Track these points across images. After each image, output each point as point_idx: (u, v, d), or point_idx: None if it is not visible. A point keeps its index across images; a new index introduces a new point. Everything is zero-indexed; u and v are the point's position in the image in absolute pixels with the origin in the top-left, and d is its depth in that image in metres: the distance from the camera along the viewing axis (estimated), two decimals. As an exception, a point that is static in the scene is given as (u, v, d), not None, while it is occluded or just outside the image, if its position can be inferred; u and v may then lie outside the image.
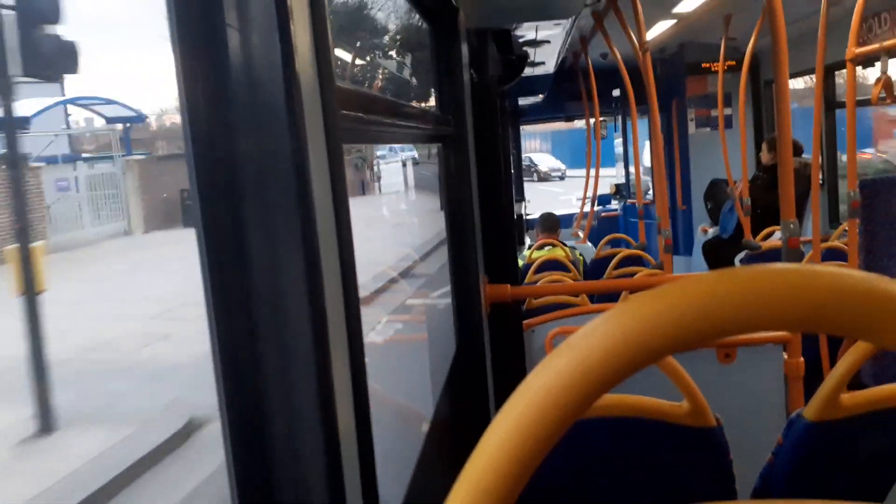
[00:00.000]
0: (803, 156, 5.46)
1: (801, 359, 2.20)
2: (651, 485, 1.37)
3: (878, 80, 3.08)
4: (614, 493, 1.36)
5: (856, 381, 1.35)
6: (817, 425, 1.26)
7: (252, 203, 0.56)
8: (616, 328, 0.33)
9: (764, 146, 5.71)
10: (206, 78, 0.53)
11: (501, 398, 2.32)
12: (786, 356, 2.22)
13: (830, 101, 5.18)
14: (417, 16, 1.87)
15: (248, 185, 0.55)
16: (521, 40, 3.44)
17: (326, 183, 0.60)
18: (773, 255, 4.20)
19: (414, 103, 1.85)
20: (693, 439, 1.34)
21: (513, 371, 2.69)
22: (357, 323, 0.66)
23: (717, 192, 6.03)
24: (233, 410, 0.56)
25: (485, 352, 2.23)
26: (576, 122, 9.72)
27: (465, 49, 2.16)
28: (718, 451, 1.35)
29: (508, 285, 2.57)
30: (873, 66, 3.64)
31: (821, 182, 5.09)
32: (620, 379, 0.33)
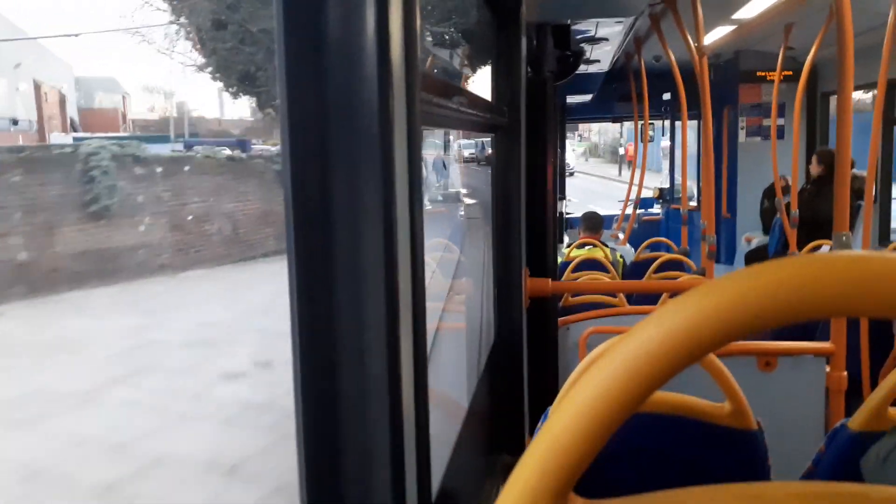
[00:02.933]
0: (853, 170, 5.34)
1: (845, 373, 2.18)
2: (688, 483, 1.37)
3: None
4: (651, 489, 1.37)
5: None
6: (862, 436, 1.26)
7: (340, 186, 0.58)
8: (669, 324, 0.34)
9: (814, 158, 5.60)
10: (307, 66, 0.56)
11: (534, 392, 2.34)
12: (828, 369, 2.20)
13: (889, 116, 5.05)
14: (481, 5, 1.88)
15: (338, 167, 0.57)
16: (578, 37, 3.43)
17: (405, 166, 0.62)
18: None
19: (475, 92, 1.87)
20: (733, 441, 1.34)
21: (545, 366, 2.70)
22: (422, 314, 0.68)
23: (774, 196, 5.93)
24: (307, 403, 0.59)
25: (523, 344, 2.24)
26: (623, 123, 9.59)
27: (524, 42, 2.17)
28: (758, 454, 1.35)
29: (549, 279, 2.58)
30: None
31: (873, 198, 4.97)
32: (674, 372, 0.34)
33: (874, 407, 1.26)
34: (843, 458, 1.28)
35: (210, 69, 16.01)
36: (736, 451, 1.36)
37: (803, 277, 0.33)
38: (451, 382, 2.08)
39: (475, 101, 1.49)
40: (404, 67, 0.62)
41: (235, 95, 16.80)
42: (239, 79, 15.71)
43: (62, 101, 23.54)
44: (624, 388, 0.34)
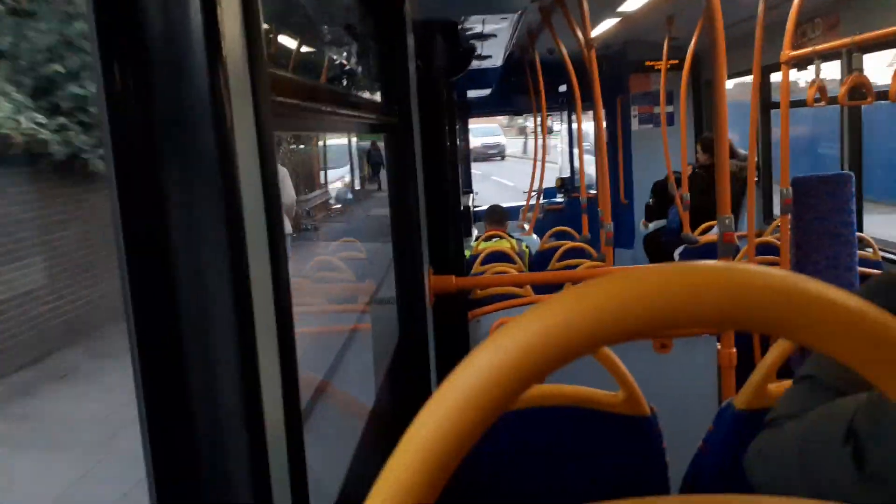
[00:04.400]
0: (736, 159, 5.65)
1: (734, 349, 2.28)
2: (585, 474, 1.40)
3: (812, 82, 3.20)
4: (548, 483, 1.39)
5: (787, 372, 1.41)
6: (746, 414, 1.31)
7: (174, 194, 0.54)
8: (547, 320, 0.33)
9: (698, 147, 5.88)
10: (125, 59, 0.51)
11: (443, 388, 2.34)
12: (719, 346, 2.30)
13: (766, 102, 5.36)
14: (363, 5, 1.85)
15: (170, 174, 0.53)
16: (468, 33, 3.45)
17: (256, 172, 0.59)
18: (710, 249, 4.33)
19: (358, 93, 1.83)
20: (628, 428, 1.37)
21: (456, 361, 2.70)
22: (289, 326, 0.65)
23: (661, 191, 6.17)
24: (152, 405, 0.55)
25: (428, 342, 2.24)
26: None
27: (411, 40, 2.15)
28: (652, 439, 1.39)
29: (453, 276, 2.59)
30: (806, 69, 3.78)
31: (756, 180, 5.27)
32: (549, 371, 0.33)
33: (755, 385, 1.31)
34: (729, 437, 1.33)
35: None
36: (631, 438, 1.39)
37: (675, 287, 0.32)
38: (361, 386, 2.05)
39: (358, 101, 1.46)
40: (247, 68, 0.59)
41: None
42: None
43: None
44: (494, 383, 0.33)
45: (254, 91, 0.59)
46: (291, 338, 0.66)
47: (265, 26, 0.63)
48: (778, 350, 1.36)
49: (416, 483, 0.33)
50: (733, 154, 5.54)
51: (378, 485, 0.34)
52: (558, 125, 10.68)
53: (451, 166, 2.97)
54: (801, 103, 3.67)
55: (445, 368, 2.53)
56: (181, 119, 0.52)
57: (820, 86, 3.17)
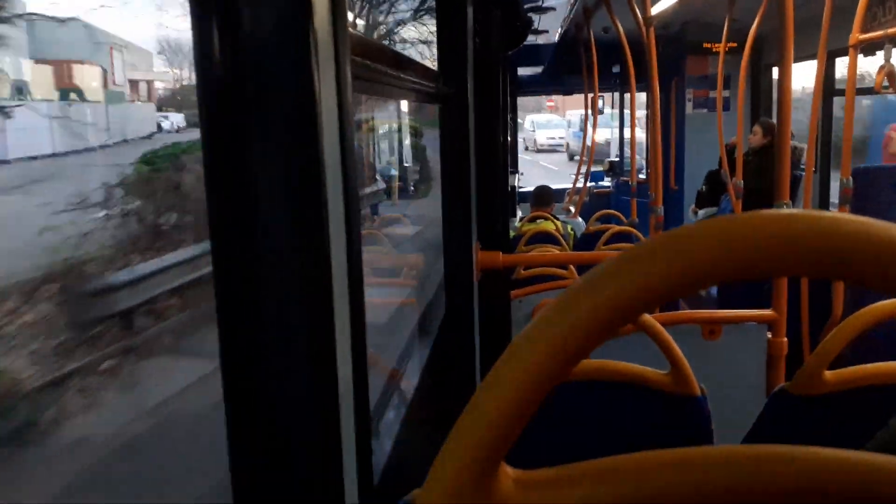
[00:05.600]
0: (794, 141, 5.48)
1: (785, 339, 2.24)
2: (631, 449, 1.39)
3: (881, 68, 3.08)
4: (595, 456, 1.38)
5: (835, 364, 1.38)
6: (800, 399, 1.29)
7: (259, 147, 0.55)
8: (596, 287, 0.33)
9: (757, 128, 5.70)
10: (216, 19, 0.52)
11: (486, 365, 2.35)
12: (769, 335, 2.26)
13: (830, 88, 5.17)
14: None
15: (256, 129, 0.54)
16: (526, 6, 3.40)
17: (335, 135, 0.59)
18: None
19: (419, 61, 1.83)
20: (677, 407, 1.36)
21: (498, 339, 2.72)
22: (359, 285, 0.66)
23: (714, 180, 6.03)
24: (231, 370, 0.57)
25: (474, 317, 2.24)
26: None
27: (470, 11, 2.13)
28: (701, 420, 1.38)
29: (500, 252, 2.58)
30: (874, 54, 3.63)
31: (813, 168, 5.11)
32: (604, 337, 0.33)
33: (811, 371, 1.29)
34: (781, 422, 1.31)
35: None
36: (679, 418, 1.38)
37: (733, 236, 0.32)
38: (404, 356, 2.07)
39: (418, 69, 1.45)
40: (331, 26, 0.59)
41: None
42: None
43: None
44: (549, 356, 0.33)
45: (336, 48, 0.60)
46: (362, 307, 0.67)
47: None
48: (837, 337, 1.33)
49: (485, 441, 0.34)
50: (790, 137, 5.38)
51: (449, 442, 0.35)
52: (608, 108, 10.50)
53: (502, 143, 2.95)
54: (867, 90, 3.54)
55: (487, 346, 2.54)
56: (269, 80, 0.53)
57: (889, 71, 3.04)
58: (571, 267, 3.58)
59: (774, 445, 0.40)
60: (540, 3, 3.43)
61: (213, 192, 0.55)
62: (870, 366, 1.33)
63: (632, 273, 0.33)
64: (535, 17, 3.74)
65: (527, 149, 10.65)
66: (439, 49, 2.02)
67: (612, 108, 9.58)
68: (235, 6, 0.53)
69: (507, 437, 0.34)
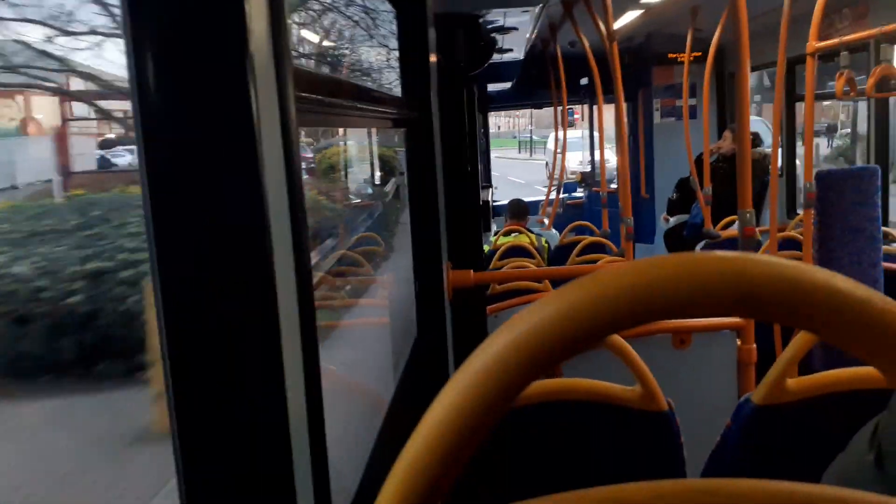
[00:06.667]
0: (761, 147, 5.57)
1: (754, 345, 2.26)
2: (601, 469, 1.40)
3: (840, 73, 3.15)
4: (564, 478, 1.39)
5: (809, 368, 1.39)
6: (764, 409, 1.30)
7: (202, 187, 0.55)
8: (556, 309, 0.33)
9: (727, 134, 5.79)
10: (157, 53, 0.53)
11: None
12: (739, 342, 2.28)
13: (791, 94, 5.28)
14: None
15: (197, 170, 0.54)
16: (489, 27, 3.43)
17: (281, 169, 0.60)
18: (732, 244, 4.28)
19: (378, 88, 1.84)
20: (644, 423, 1.37)
21: None
22: (312, 325, 0.66)
23: (685, 188, 6.10)
24: (181, 401, 0.56)
25: (446, 337, 2.24)
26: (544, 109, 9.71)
27: (432, 34, 2.15)
28: (669, 434, 1.39)
29: (471, 271, 2.59)
30: (832, 61, 3.72)
31: (779, 173, 5.20)
32: (560, 359, 0.33)
33: (773, 380, 1.30)
34: (747, 432, 1.32)
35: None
36: (648, 434, 1.39)
37: (673, 276, 0.32)
38: (376, 381, 2.06)
39: (378, 97, 1.46)
40: (273, 63, 0.59)
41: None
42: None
43: None
44: (492, 383, 0.33)
45: (279, 86, 0.60)
46: (313, 332, 0.67)
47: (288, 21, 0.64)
48: (797, 345, 1.34)
49: (429, 468, 0.33)
50: (757, 144, 5.47)
51: (394, 471, 0.35)
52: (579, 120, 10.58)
53: (470, 161, 2.97)
54: (828, 95, 3.62)
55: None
56: (208, 112, 0.53)
57: (849, 77, 3.11)
58: (546, 280, 3.60)
59: (741, 480, 0.40)
60: (502, 24, 3.46)
61: (156, 227, 0.55)
62: (831, 372, 1.35)
63: (597, 297, 0.33)
64: (498, 36, 3.78)
65: (581, 179, 9.06)
66: (402, 73, 2.04)
67: (582, 119, 9.67)
68: (171, 42, 0.53)
69: (454, 463, 0.34)
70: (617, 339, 1.39)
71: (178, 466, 0.57)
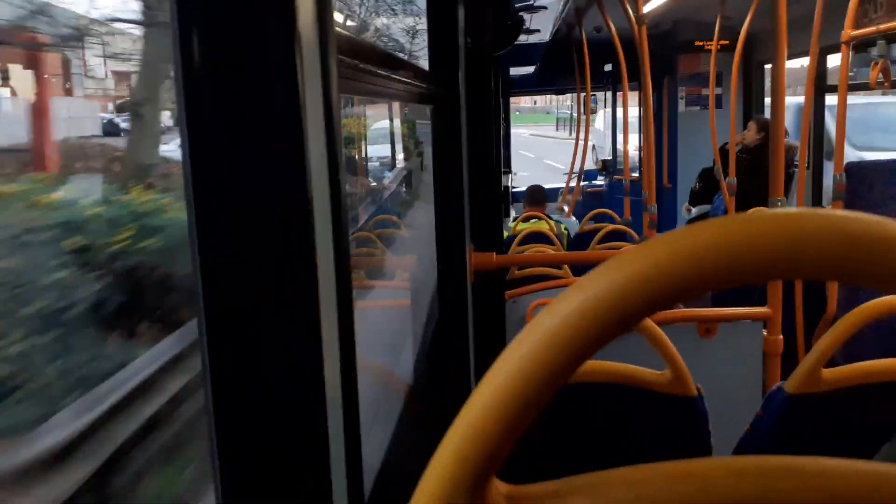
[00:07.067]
0: (788, 139, 5.47)
1: (781, 336, 2.23)
2: (628, 451, 1.38)
3: (875, 63, 3.08)
4: (592, 459, 1.37)
5: (830, 362, 1.37)
6: (797, 398, 1.28)
7: (245, 150, 0.54)
8: (596, 290, 0.32)
9: (752, 125, 5.70)
10: (195, 17, 0.51)
11: (480, 366, 2.34)
12: (765, 333, 2.25)
13: (822, 85, 5.18)
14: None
15: (242, 130, 0.53)
16: (517, 5, 3.39)
17: (321, 137, 0.58)
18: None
19: (411, 61, 1.81)
20: (673, 408, 1.35)
21: (492, 340, 2.70)
22: (348, 290, 0.65)
23: (707, 178, 6.03)
24: (217, 380, 0.55)
25: (468, 319, 2.23)
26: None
27: (461, 12, 2.11)
28: (698, 420, 1.37)
29: (494, 254, 2.57)
30: (866, 51, 3.64)
31: (806, 165, 5.12)
32: (603, 342, 0.32)
33: (808, 369, 1.28)
34: (779, 421, 1.30)
35: None
36: (676, 418, 1.37)
37: (731, 238, 0.30)
38: (398, 361, 2.05)
39: (409, 69, 1.44)
40: (316, 24, 0.57)
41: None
42: None
43: None
44: (546, 362, 0.32)
45: (321, 46, 0.58)
46: (351, 313, 0.66)
47: None
48: (833, 335, 1.32)
49: (475, 455, 0.33)
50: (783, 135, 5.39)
51: (437, 456, 0.34)
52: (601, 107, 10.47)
53: (495, 143, 2.94)
54: (863, 86, 3.54)
55: (482, 347, 2.53)
56: (252, 78, 0.52)
57: (884, 67, 3.04)
58: (566, 267, 3.57)
59: (776, 457, 0.38)
60: (532, 3, 3.42)
61: (198, 197, 0.54)
62: (866, 363, 1.33)
63: (631, 278, 0.31)
64: (526, 16, 3.73)
65: (602, 167, 8.68)
66: (430, 49, 2.01)
67: (605, 107, 9.58)
68: (217, 6, 0.51)
69: (499, 451, 0.33)
70: (649, 323, 1.37)
71: (212, 450, 0.56)
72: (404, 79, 1.30)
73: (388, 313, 2.51)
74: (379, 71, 0.98)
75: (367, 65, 0.88)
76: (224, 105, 0.53)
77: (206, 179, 0.54)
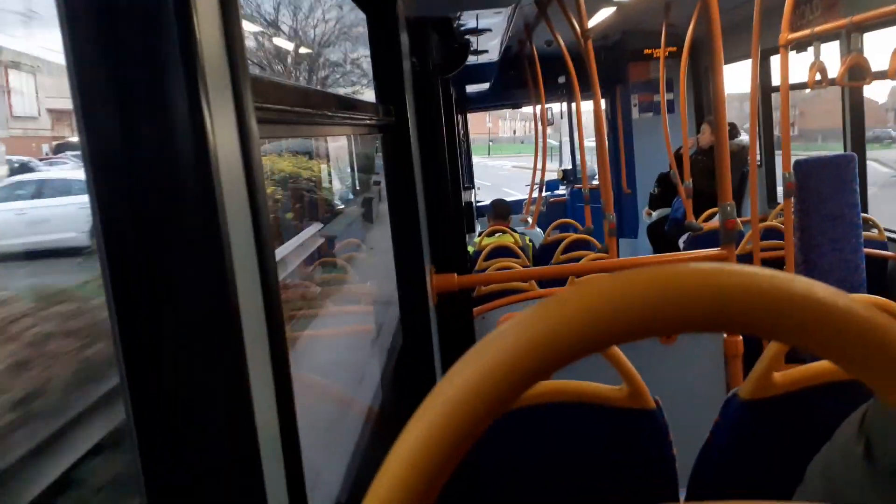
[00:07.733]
0: (739, 139, 5.60)
1: (740, 338, 2.26)
2: (592, 469, 1.39)
3: (813, 64, 3.17)
4: (554, 481, 1.38)
5: (796, 357, 1.39)
6: (752, 403, 1.30)
7: (155, 207, 0.53)
8: (545, 321, 0.32)
9: (705, 127, 5.82)
10: (100, 68, 0.50)
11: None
12: (725, 335, 2.28)
13: (766, 86, 5.32)
14: (354, 3, 1.84)
15: (150, 190, 0.52)
16: (462, 29, 3.43)
17: (241, 183, 0.58)
18: (715, 236, 4.30)
19: (352, 94, 1.82)
20: (634, 421, 1.36)
21: None
22: (281, 337, 0.64)
23: (665, 182, 6.13)
24: (140, 413, 0.54)
25: (432, 342, 2.23)
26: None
27: (404, 38, 2.13)
28: (658, 432, 1.38)
29: (455, 274, 2.58)
30: (805, 51, 3.75)
31: (758, 163, 5.24)
32: (550, 371, 0.33)
33: (759, 374, 1.30)
34: (736, 427, 1.32)
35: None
36: (637, 432, 1.38)
37: (648, 294, 0.31)
38: (361, 390, 2.04)
39: (350, 103, 1.45)
40: (228, 75, 0.58)
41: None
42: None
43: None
44: (483, 390, 0.33)
45: (236, 98, 0.58)
46: (283, 343, 0.66)
47: (256, 29, 0.62)
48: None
49: (414, 480, 0.33)
50: (735, 135, 5.51)
51: (376, 482, 0.34)
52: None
53: (450, 163, 2.95)
54: (801, 86, 3.64)
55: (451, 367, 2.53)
56: (159, 128, 0.51)
57: (820, 67, 3.14)
58: (531, 280, 3.59)
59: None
60: (475, 26, 3.46)
61: (109, 244, 0.53)
62: (818, 364, 1.35)
63: (531, 338, 0.32)
64: (473, 38, 3.78)
65: (563, 177, 9.13)
66: (375, 78, 2.02)
67: (561, 118, 9.70)
68: (117, 52, 0.51)
69: (443, 470, 0.33)
70: None
71: (139, 476, 0.55)
72: (344, 113, 1.31)
73: (350, 341, 2.49)
74: (312, 112, 0.99)
75: (296, 108, 0.89)
76: (129, 160, 0.52)
77: (116, 225, 0.53)
